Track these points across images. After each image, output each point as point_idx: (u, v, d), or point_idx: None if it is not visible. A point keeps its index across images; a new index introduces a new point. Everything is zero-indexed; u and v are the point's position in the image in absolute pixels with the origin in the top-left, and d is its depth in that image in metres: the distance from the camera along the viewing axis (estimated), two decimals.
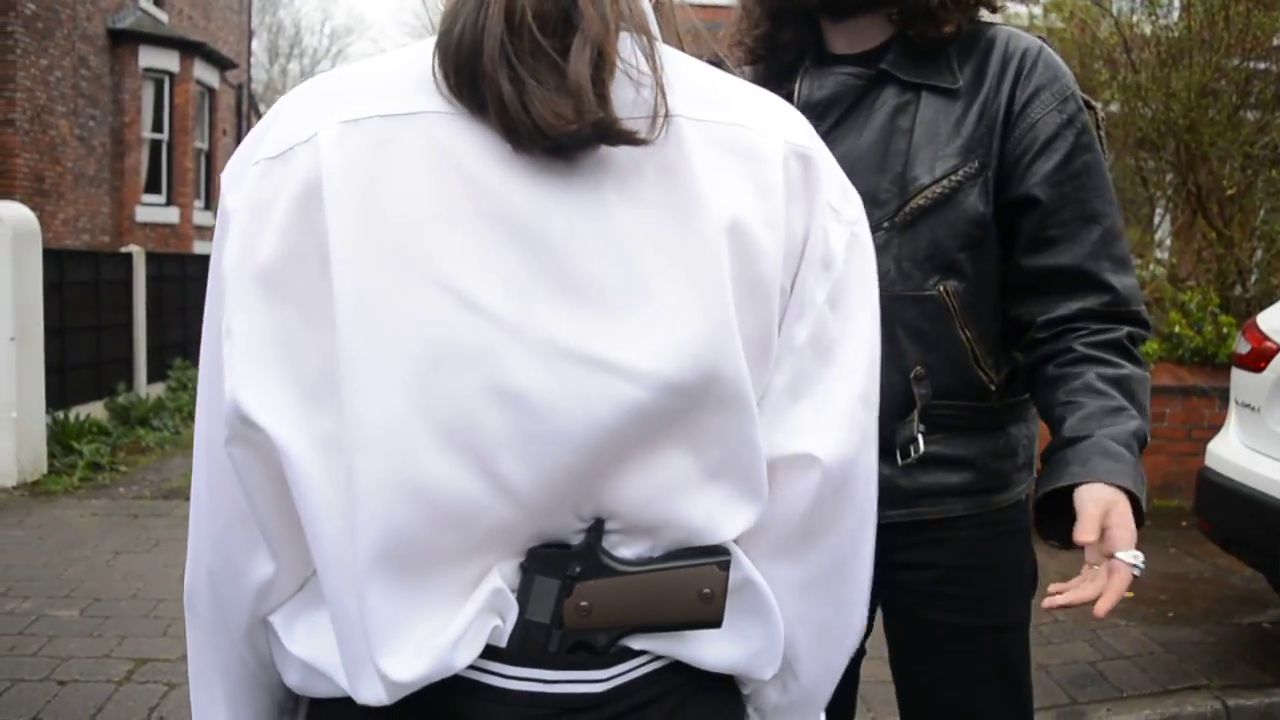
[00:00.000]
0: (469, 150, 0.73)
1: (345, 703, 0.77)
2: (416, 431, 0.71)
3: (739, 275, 0.75)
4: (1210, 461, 3.95)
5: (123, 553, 4.73)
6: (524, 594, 0.77)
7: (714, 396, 0.75)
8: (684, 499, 0.77)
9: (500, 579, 0.76)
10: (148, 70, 14.31)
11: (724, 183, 0.75)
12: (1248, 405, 3.84)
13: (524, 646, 0.77)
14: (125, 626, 3.83)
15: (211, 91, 16.61)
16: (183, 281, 9.28)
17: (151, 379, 8.38)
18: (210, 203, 16.46)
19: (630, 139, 0.72)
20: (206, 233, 15.97)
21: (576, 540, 0.77)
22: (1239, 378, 3.93)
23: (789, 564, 0.84)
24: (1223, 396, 5.68)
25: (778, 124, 0.80)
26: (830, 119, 1.46)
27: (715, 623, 0.79)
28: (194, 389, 8.47)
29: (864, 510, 0.85)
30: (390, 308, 0.71)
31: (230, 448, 0.75)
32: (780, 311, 0.79)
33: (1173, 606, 4.35)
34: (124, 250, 8.39)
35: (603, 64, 0.72)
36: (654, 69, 0.74)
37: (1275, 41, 6.98)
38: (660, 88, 0.73)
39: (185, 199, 15.12)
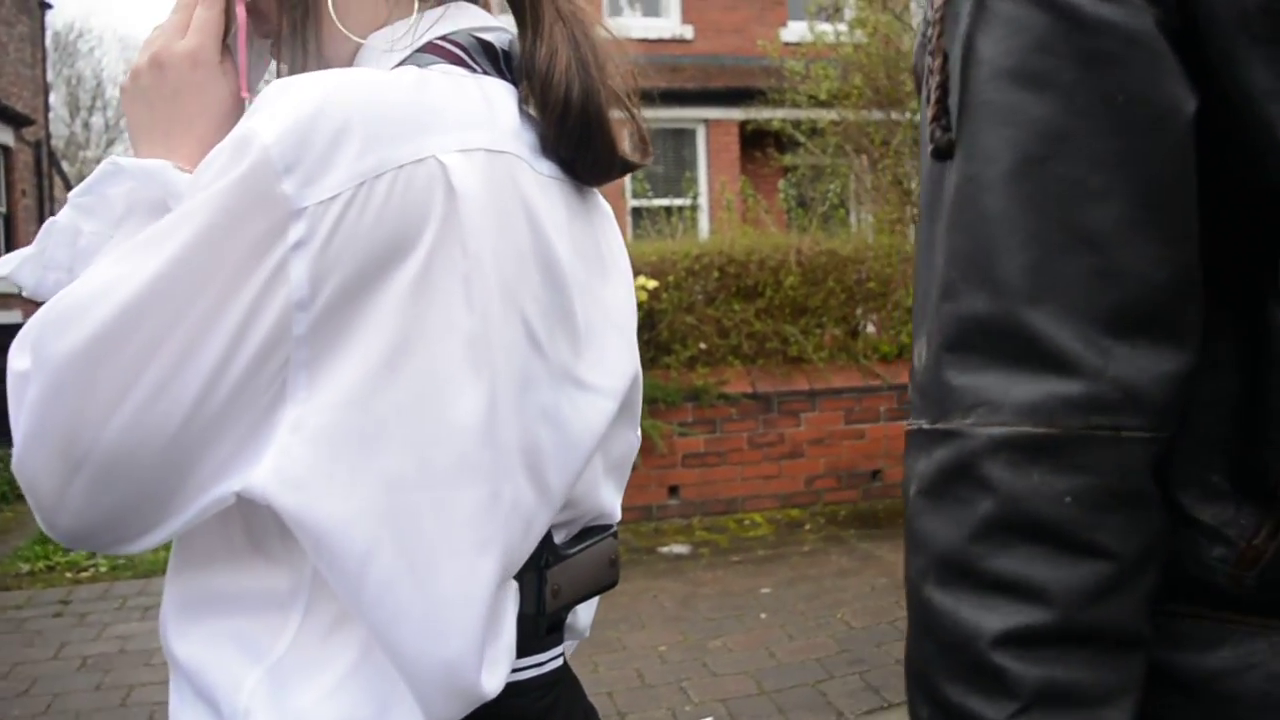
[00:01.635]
0: (532, 195, 0.79)
1: None
2: (514, 453, 0.76)
3: (629, 306, 0.95)
4: None
5: None
6: (519, 592, 0.83)
7: (632, 406, 0.94)
8: (599, 490, 0.91)
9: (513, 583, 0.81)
10: None
11: (608, 233, 0.94)
12: None
13: (523, 639, 0.82)
14: None
15: (7, 150, 15.68)
16: None
17: None
18: None
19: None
20: (13, 301, 15.02)
21: None
22: None
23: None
24: None
25: None
26: None
27: (616, 583, 0.94)
28: (5, 469, 7.96)
29: None
30: (502, 336, 0.75)
31: None
32: None
33: None
34: None
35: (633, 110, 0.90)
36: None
37: None
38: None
39: None
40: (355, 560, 0.70)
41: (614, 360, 0.89)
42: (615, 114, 0.86)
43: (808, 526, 5.68)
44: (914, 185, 7.66)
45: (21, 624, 4.69)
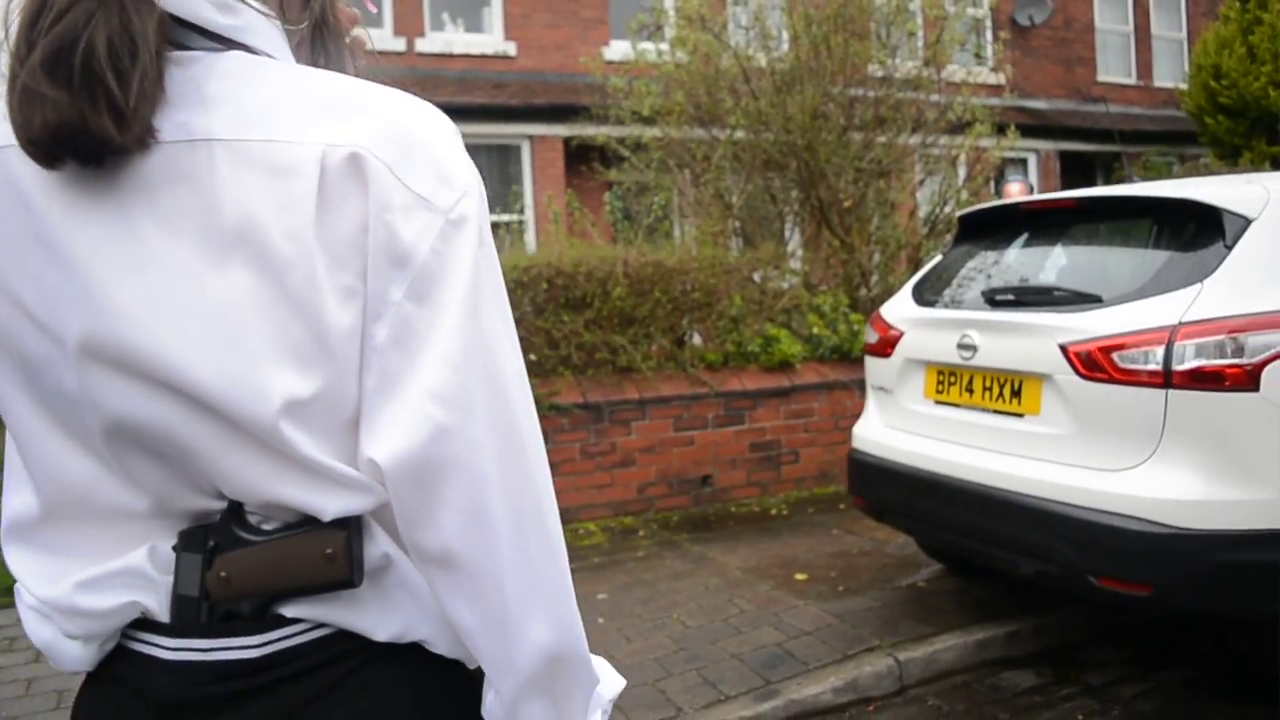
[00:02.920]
0: (30, 181, 0.80)
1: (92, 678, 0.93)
2: (32, 417, 0.86)
3: (267, 293, 0.79)
4: (856, 443, 4.33)
5: None
6: (176, 571, 0.86)
7: (223, 407, 0.80)
8: (270, 485, 0.84)
9: (146, 560, 0.86)
10: None
11: (243, 202, 0.79)
12: (882, 388, 4.25)
13: (180, 620, 0.86)
14: None
15: None
16: None
17: None
18: None
19: (112, 145, 0.76)
20: None
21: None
22: (872, 365, 4.35)
23: (422, 561, 0.86)
24: (860, 387, 6.26)
25: (328, 129, 0.81)
26: None
27: (345, 581, 0.85)
28: None
29: (472, 511, 0.83)
30: None
31: None
32: (357, 315, 0.82)
33: (842, 581, 4.72)
34: None
35: (90, 76, 0.75)
36: (143, 82, 0.77)
37: (870, 70, 7.83)
38: (149, 101, 0.77)
39: None
40: None
41: (178, 348, 0.79)
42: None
43: (641, 533, 5.76)
44: (735, 199, 7.89)
45: None
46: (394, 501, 0.83)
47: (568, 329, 5.98)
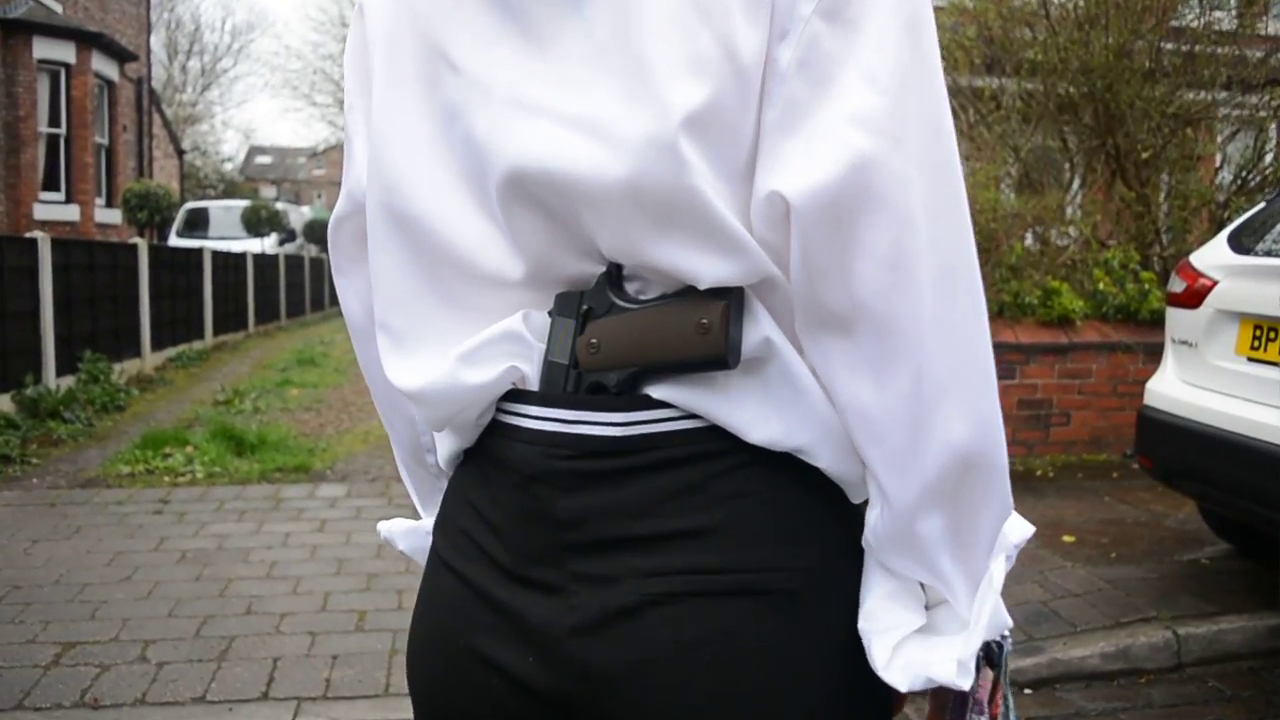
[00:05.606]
0: None
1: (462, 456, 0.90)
2: (435, 173, 0.83)
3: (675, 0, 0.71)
4: (1150, 400, 4.01)
5: (41, 540, 4.49)
6: (550, 336, 0.82)
7: (642, 152, 0.71)
8: (647, 246, 0.75)
9: (521, 324, 0.83)
10: (42, 62, 13.77)
11: None
12: (1185, 342, 3.91)
13: (546, 387, 0.82)
14: (49, 612, 3.64)
15: (111, 85, 16.06)
16: (91, 270, 8.85)
17: (61, 371, 7.99)
18: (112, 200, 15.87)
19: None
20: (110, 230, 15.40)
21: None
22: (1175, 316, 4.00)
23: (819, 327, 0.75)
24: (1146, 350, 5.82)
25: None
26: None
27: (719, 358, 0.74)
28: (105, 381, 8.18)
29: (893, 260, 0.70)
30: (408, 75, 0.85)
31: None
32: (763, 32, 0.70)
33: (1114, 548, 4.42)
34: (29, 236, 7.96)
35: None
36: None
37: (1182, 12, 7.16)
38: None
39: (86, 196, 14.57)
40: None
41: (604, 94, 0.73)
42: None
43: None
44: (1021, 143, 7.46)
45: (123, 518, 4.83)
46: (799, 249, 0.71)
47: None
